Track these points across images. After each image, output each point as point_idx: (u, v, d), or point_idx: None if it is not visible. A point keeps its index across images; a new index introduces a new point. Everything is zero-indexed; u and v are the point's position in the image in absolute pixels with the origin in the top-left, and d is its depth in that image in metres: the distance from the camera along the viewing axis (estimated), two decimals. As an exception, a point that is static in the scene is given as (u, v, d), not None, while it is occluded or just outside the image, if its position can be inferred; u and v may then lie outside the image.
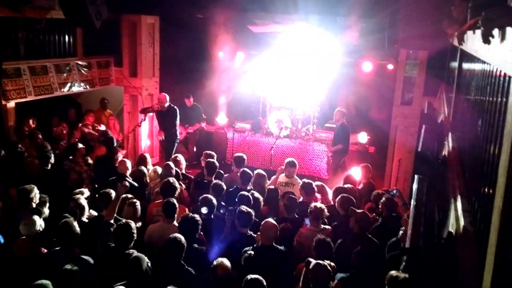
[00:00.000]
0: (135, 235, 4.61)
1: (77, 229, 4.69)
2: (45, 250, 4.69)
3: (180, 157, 7.57)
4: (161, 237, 4.93)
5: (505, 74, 2.34)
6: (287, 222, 5.51)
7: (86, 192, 6.04)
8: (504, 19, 1.85)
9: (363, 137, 10.34)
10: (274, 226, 4.89)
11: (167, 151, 9.30)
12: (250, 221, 5.15)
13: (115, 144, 7.96)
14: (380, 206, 5.75)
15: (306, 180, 6.52)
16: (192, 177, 7.34)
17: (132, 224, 4.65)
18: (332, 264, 4.30)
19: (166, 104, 9.12)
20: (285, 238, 5.16)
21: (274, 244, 4.82)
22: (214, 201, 5.56)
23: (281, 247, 4.86)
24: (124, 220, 4.81)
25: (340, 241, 4.99)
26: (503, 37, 2.10)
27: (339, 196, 5.76)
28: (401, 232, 4.74)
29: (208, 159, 7.12)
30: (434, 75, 8.50)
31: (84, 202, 5.56)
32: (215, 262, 4.26)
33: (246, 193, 5.82)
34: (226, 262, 4.28)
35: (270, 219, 5.01)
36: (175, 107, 9.24)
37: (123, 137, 10.36)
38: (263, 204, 5.91)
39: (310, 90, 10.79)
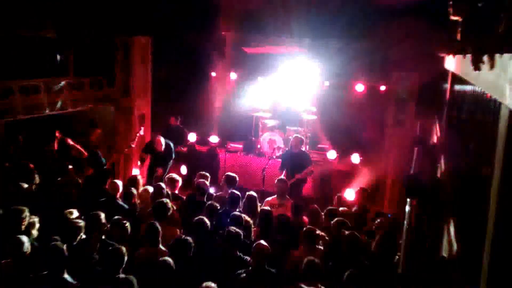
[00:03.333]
0: (125, 260, 4.52)
1: (66, 253, 4.56)
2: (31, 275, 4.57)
3: (177, 177, 7.31)
4: (151, 263, 4.79)
5: (495, 99, 2.33)
6: (279, 245, 5.44)
7: (75, 213, 5.92)
8: (494, 47, 1.86)
9: (355, 159, 10.32)
10: (266, 248, 4.83)
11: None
12: (238, 242, 5.09)
13: (104, 165, 7.83)
14: (374, 229, 5.70)
15: (295, 203, 6.48)
16: (184, 197, 7.24)
17: (123, 249, 4.56)
18: (323, 288, 4.25)
19: (163, 145, 8.77)
20: (276, 261, 5.09)
21: (266, 267, 4.76)
22: (208, 223, 5.49)
23: (273, 270, 4.80)
24: (116, 245, 4.71)
25: (331, 263, 4.93)
26: (492, 64, 2.10)
27: (334, 220, 5.69)
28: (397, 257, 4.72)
29: (200, 180, 7.05)
30: (426, 97, 8.55)
31: (81, 225, 5.28)
32: (204, 284, 4.18)
33: (238, 213, 5.76)
34: (212, 285, 4.19)
35: (262, 241, 4.94)
36: (169, 142, 8.89)
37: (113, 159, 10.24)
38: (254, 227, 5.84)
39: (302, 110, 10.82)
